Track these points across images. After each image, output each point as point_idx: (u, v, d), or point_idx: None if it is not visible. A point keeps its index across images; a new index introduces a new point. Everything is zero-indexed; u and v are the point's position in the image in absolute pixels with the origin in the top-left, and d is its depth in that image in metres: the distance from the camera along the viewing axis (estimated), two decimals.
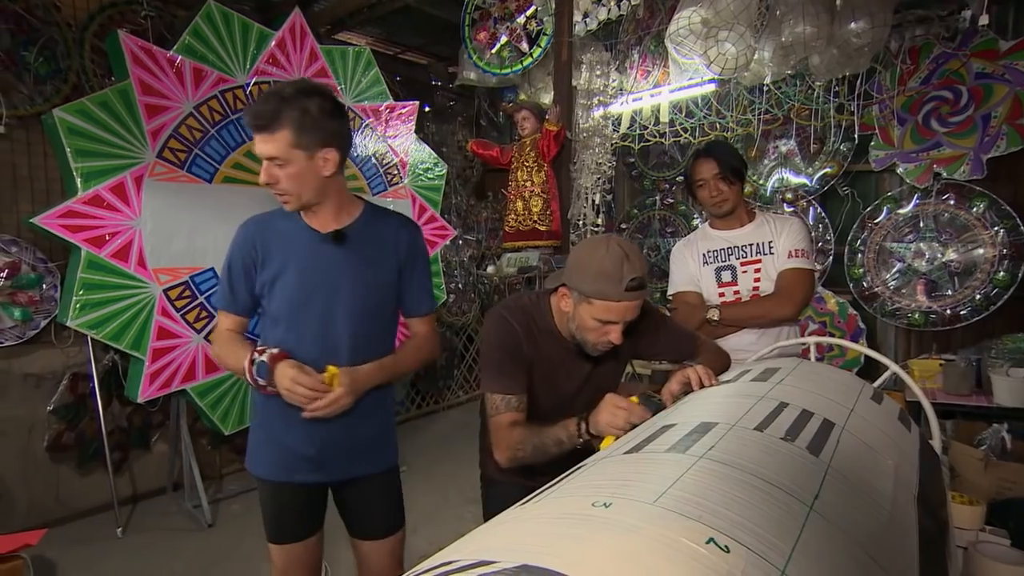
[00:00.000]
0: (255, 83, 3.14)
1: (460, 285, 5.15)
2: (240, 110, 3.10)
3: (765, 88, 3.23)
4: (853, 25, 2.51)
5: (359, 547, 1.61)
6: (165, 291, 2.87)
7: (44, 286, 2.98)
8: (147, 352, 2.81)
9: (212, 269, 3.03)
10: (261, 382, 1.35)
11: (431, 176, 4.07)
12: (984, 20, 2.20)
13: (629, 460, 0.75)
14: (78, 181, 2.59)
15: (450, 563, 0.49)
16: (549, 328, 1.44)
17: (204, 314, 3.00)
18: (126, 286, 2.74)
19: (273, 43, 3.20)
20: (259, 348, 1.38)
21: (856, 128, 3.21)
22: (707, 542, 0.52)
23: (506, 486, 1.60)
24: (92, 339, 2.80)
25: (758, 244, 1.97)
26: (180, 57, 2.86)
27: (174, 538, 2.98)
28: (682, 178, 4.38)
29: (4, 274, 2.86)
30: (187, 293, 2.95)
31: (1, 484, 2.86)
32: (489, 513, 1.64)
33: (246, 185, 3.14)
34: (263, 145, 1.33)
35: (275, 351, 1.36)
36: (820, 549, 0.57)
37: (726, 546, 0.52)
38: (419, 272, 1.55)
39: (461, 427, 4.73)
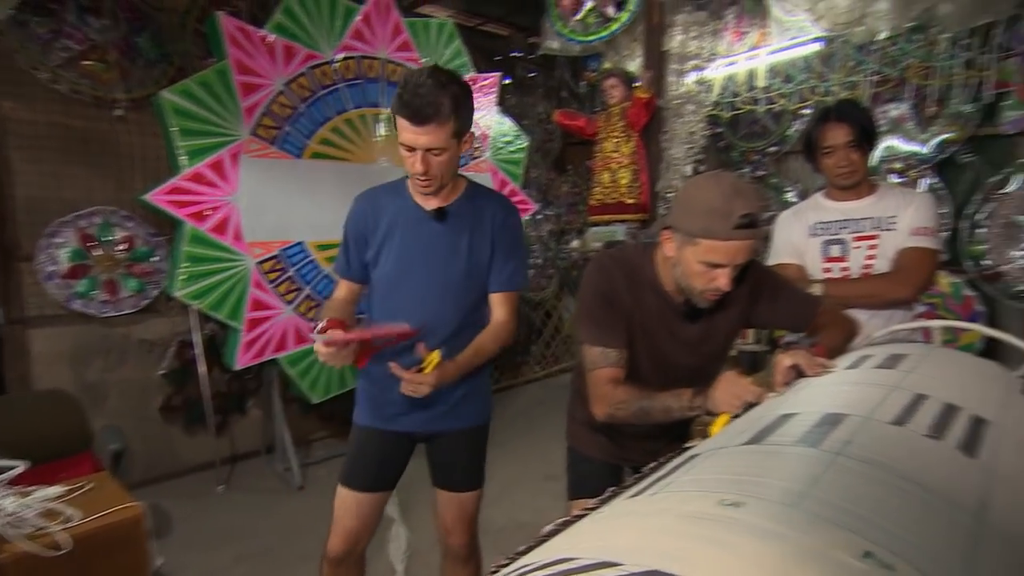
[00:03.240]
0: (342, 59, 3.19)
1: (539, 260, 5.11)
2: (327, 86, 3.16)
3: (876, 46, 2.91)
4: None
5: (437, 495, 1.69)
6: (258, 264, 3.00)
7: (155, 259, 3.20)
8: (243, 322, 2.96)
9: (301, 243, 3.14)
10: None
11: (512, 149, 4.02)
12: None
13: (751, 452, 0.68)
14: (183, 159, 2.74)
15: (569, 560, 0.45)
16: (652, 281, 1.35)
17: (294, 287, 3.13)
18: (224, 259, 2.89)
19: (359, 18, 3.23)
20: (320, 320, 1.43)
21: (987, 86, 2.84)
22: (864, 556, 0.45)
23: (597, 464, 1.57)
24: (196, 309, 2.98)
25: (877, 219, 1.79)
26: (273, 35, 2.94)
27: (267, 498, 3.17)
28: (776, 147, 4.10)
29: (124, 247, 3.10)
30: (278, 266, 3.08)
31: (123, 439, 3.13)
32: (574, 489, 1.63)
33: (333, 160, 3.22)
34: (423, 136, 1.33)
35: (323, 324, 1.39)
36: (1001, 572, 0.49)
37: (889, 563, 0.44)
38: (509, 250, 1.55)
39: (538, 402, 4.73)
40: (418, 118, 1.31)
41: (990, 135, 3.27)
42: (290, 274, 3.12)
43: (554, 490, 1.66)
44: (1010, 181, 3.20)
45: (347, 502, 1.61)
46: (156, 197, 2.68)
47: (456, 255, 1.51)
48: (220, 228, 2.86)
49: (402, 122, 1.34)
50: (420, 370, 1.40)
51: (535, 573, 0.45)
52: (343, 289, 1.62)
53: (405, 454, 1.65)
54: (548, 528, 0.64)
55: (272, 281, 3.06)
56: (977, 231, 3.31)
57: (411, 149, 1.36)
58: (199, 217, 2.79)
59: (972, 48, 2.78)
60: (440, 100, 1.31)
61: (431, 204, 1.50)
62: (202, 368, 3.19)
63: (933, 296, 3.48)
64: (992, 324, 3.32)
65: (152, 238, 3.18)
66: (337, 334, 1.35)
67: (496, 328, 1.57)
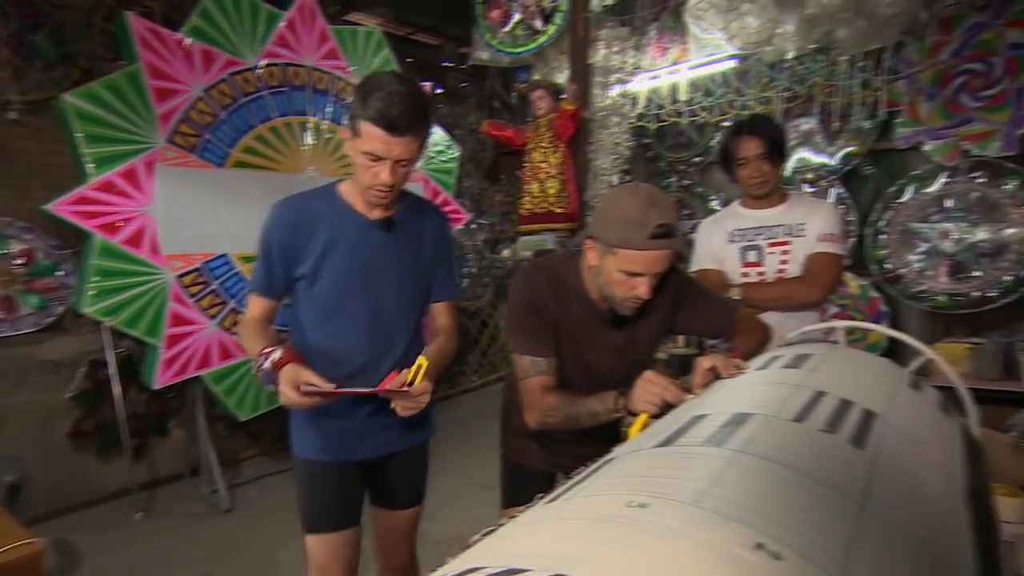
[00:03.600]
0: (265, 65, 3.10)
1: (474, 269, 5.11)
2: (250, 93, 3.05)
3: (786, 64, 3.12)
4: None
5: (378, 515, 1.63)
6: (178, 277, 2.86)
7: (59, 273, 2.99)
8: (162, 338, 2.80)
9: (224, 255, 3.01)
10: (270, 388, 1.30)
11: (444, 159, 4.01)
12: None
13: (661, 454, 0.71)
14: (90, 167, 2.57)
15: (477, 569, 0.46)
16: (578, 289, 1.38)
17: (217, 300, 2.99)
18: (140, 272, 2.73)
19: (283, 24, 3.15)
20: (264, 351, 1.30)
21: (881, 105, 3.09)
22: (756, 548, 0.48)
23: (528, 472, 1.58)
24: (108, 326, 2.80)
25: (788, 226, 1.91)
26: (189, 39, 2.81)
27: (192, 523, 3.01)
28: (700, 157, 4.30)
29: (21, 262, 2.87)
30: (200, 279, 2.94)
31: (24, 470, 2.89)
32: (509, 497, 1.64)
33: (257, 170, 3.11)
34: (398, 147, 1.26)
35: (277, 356, 1.27)
36: (877, 553, 0.53)
37: (777, 552, 0.47)
38: (449, 259, 1.58)
39: (475, 412, 4.71)
40: (397, 128, 1.24)
41: (886, 149, 3.55)
42: (213, 287, 2.98)
43: (492, 500, 1.67)
44: (904, 191, 3.48)
45: (322, 546, 1.47)
46: (60, 207, 2.51)
47: (404, 265, 1.47)
48: (134, 240, 2.71)
49: (374, 131, 1.24)
50: (409, 384, 1.30)
51: None
52: (259, 307, 1.43)
53: (364, 482, 1.58)
54: (475, 538, 0.64)
55: (194, 295, 2.92)
56: (880, 237, 3.57)
57: (377, 159, 1.28)
58: (110, 229, 2.63)
59: (867, 70, 3.02)
60: (417, 110, 1.26)
61: (375, 214, 1.42)
62: (117, 389, 2.99)
63: (845, 298, 3.73)
64: (894, 323, 3.60)
65: (55, 251, 2.97)
66: (314, 381, 1.23)
67: (450, 334, 1.57)
